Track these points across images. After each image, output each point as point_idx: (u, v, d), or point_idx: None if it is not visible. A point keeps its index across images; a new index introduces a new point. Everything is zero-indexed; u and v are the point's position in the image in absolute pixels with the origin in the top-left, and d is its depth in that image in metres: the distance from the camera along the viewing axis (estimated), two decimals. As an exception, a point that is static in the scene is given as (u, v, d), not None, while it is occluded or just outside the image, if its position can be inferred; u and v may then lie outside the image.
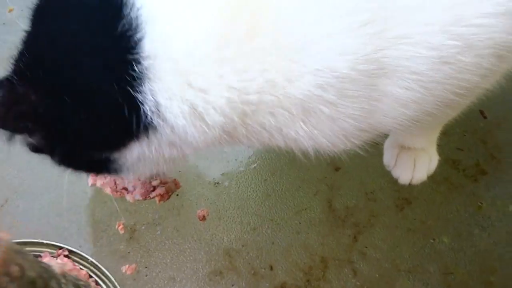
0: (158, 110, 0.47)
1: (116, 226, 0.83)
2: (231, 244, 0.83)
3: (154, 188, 0.80)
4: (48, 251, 0.76)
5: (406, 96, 0.49)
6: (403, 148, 0.84)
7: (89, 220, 0.84)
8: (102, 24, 0.47)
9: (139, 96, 0.46)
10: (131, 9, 0.45)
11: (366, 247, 0.84)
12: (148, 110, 0.47)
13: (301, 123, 0.49)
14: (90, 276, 0.74)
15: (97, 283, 0.74)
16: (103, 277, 0.74)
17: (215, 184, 0.89)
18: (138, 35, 0.45)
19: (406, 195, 0.89)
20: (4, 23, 1.13)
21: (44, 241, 0.77)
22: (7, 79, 0.48)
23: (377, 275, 0.81)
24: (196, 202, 0.87)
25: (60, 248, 0.77)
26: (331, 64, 0.45)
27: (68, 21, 0.48)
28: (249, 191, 0.88)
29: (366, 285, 0.80)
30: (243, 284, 0.79)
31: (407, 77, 0.47)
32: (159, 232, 0.83)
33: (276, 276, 0.80)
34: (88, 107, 0.47)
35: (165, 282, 0.79)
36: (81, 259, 0.76)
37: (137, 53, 0.45)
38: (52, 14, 0.50)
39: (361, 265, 0.82)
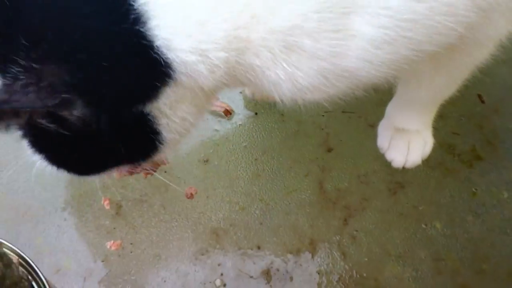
0: (169, 46, 0.46)
1: (102, 201, 0.81)
2: (218, 223, 0.81)
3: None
4: None
5: (378, 34, 0.48)
6: (397, 130, 0.82)
7: (75, 194, 0.82)
8: None
9: (148, 33, 0.45)
10: None
11: (357, 231, 0.83)
12: (162, 46, 0.46)
13: (283, 63, 0.49)
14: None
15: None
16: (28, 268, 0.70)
17: (204, 162, 0.87)
18: None
19: (399, 179, 0.88)
20: None
21: None
22: (17, 62, 0.45)
23: (367, 259, 0.80)
24: (184, 179, 0.85)
25: None
26: None
27: None
28: (239, 170, 0.87)
29: (355, 269, 0.79)
30: (230, 264, 0.77)
31: (379, 12, 0.47)
32: (145, 209, 0.82)
33: (263, 257, 0.78)
34: (112, 57, 0.47)
35: (150, 259, 0.77)
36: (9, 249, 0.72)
37: None
38: None
39: (351, 249, 0.81)
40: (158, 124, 0.53)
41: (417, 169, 0.86)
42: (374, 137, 0.90)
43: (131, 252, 0.78)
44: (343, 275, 0.78)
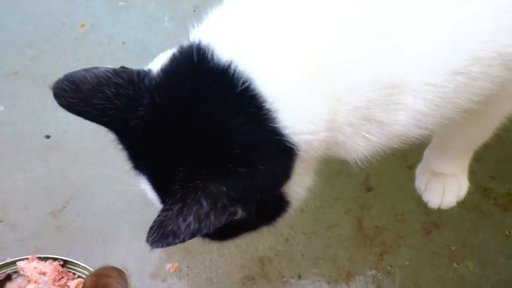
0: (294, 131, 0.55)
1: (163, 228, 0.92)
2: (264, 252, 0.90)
3: None
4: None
5: (424, 106, 0.56)
6: (434, 173, 0.88)
7: (140, 220, 0.94)
8: (224, 91, 0.54)
9: (278, 126, 0.55)
10: (235, 71, 0.54)
11: (391, 266, 0.89)
12: (289, 133, 0.55)
13: (363, 133, 0.58)
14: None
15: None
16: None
17: (254, 196, 0.97)
18: (251, 88, 0.54)
19: (434, 219, 0.94)
20: (75, 37, 1.26)
21: (41, 255, 0.83)
22: (195, 190, 0.51)
23: (400, 293, 0.86)
24: (236, 211, 0.95)
25: (55, 259, 0.83)
26: (353, 96, 0.56)
27: (195, 108, 0.55)
28: (285, 205, 0.96)
29: (388, 302, 0.85)
30: (273, 290, 0.86)
31: (424, 89, 0.55)
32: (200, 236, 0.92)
33: (304, 286, 0.87)
34: (254, 159, 0.54)
35: (204, 281, 0.87)
36: (73, 265, 0.83)
37: (259, 97, 0.54)
38: (173, 115, 0.56)
39: (385, 283, 0.87)
40: (290, 196, 0.62)
41: (452, 210, 0.92)
42: (412, 178, 0.97)
43: (187, 275, 0.88)
44: (377, 307, 0.85)
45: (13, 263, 0.82)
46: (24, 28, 1.25)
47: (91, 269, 0.81)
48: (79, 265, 0.82)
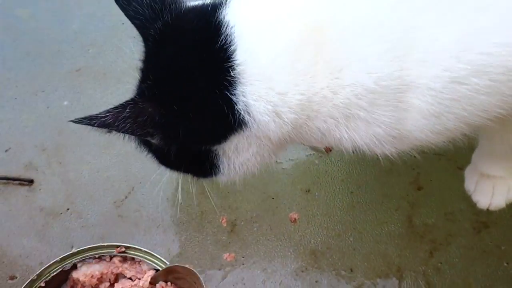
0: (248, 109, 0.61)
1: (220, 220, 0.97)
2: (317, 246, 0.94)
3: None
4: (107, 251, 0.87)
5: (426, 108, 0.58)
6: (482, 175, 0.90)
7: (198, 212, 0.99)
8: (205, 42, 0.62)
9: (234, 98, 0.60)
10: (226, 27, 0.61)
11: (441, 263, 0.91)
12: (241, 109, 0.61)
13: (345, 128, 0.62)
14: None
15: (156, 270, 0.85)
16: (159, 263, 0.85)
17: (306, 191, 1.01)
18: (232, 47, 0.60)
19: (484, 219, 0.95)
20: (134, 37, 1.32)
21: (105, 244, 0.87)
22: (132, 100, 0.63)
23: (449, 290, 0.89)
24: (289, 206, 0.99)
25: (118, 246, 0.87)
26: (361, 80, 0.58)
27: (176, 47, 0.64)
28: (336, 201, 0.99)
29: (438, 298, 0.88)
30: (325, 282, 0.90)
31: (425, 92, 0.57)
32: (255, 229, 0.96)
33: (355, 278, 0.90)
34: (195, 109, 0.62)
35: (259, 271, 0.91)
36: (136, 251, 0.86)
37: (232, 61, 0.60)
38: (161, 49, 0.66)
39: (435, 279, 0.90)
40: (218, 162, 0.68)
41: (502, 211, 0.93)
42: (462, 179, 0.98)
43: (242, 264, 0.93)
44: (427, 302, 0.87)
45: (78, 253, 0.87)
46: (86, 28, 1.32)
47: (153, 253, 0.85)
48: (141, 250, 0.87)
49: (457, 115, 0.58)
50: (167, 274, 0.83)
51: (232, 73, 0.60)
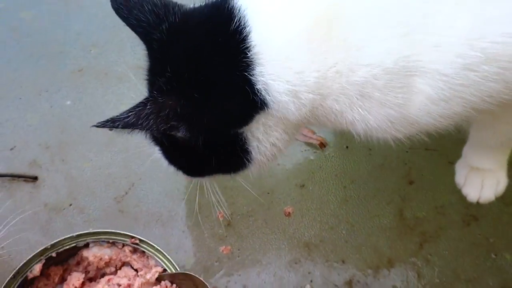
0: (267, 88, 0.62)
1: (217, 214, 1.00)
2: (310, 238, 0.97)
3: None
4: (121, 239, 0.89)
5: (436, 93, 0.60)
6: (472, 168, 0.93)
7: (195, 208, 1.02)
8: (218, 27, 0.63)
9: (253, 79, 0.61)
10: (238, 10, 0.62)
11: (431, 255, 0.94)
12: (261, 89, 0.62)
13: (358, 108, 0.63)
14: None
15: (164, 270, 0.87)
16: (166, 263, 0.87)
17: (300, 186, 1.04)
18: (247, 29, 0.61)
19: (473, 212, 0.98)
20: (135, 37, 1.35)
21: (121, 231, 0.89)
22: (151, 96, 0.64)
23: (438, 281, 0.91)
24: (283, 200, 1.02)
25: (133, 237, 0.89)
26: (380, 59, 0.59)
27: (189, 38, 0.65)
28: (330, 195, 1.02)
29: (427, 288, 0.90)
30: (318, 273, 0.93)
31: (437, 78, 0.59)
32: (251, 223, 1.00)
33: (347, 270, 0.93)
34: (216, 94, 0.63)
35: (254, 263, 0.95)
36: (149, 246, 0.89)
37: (248, 42, 0.61)
38: (172, 45, 0.66)
39: (425, 270, 0.93)
40: (249, 145, 0.68)
41: (491, 204, 0.96)
42: (453, 173, 1.01)
43: (238, 257, 0.96)
44: (416, 292, 0.90)
45: (95, 233, 0.89)
46: (87, 29, 1.36)
47: (164, 253, 0.87)
48: (153, 246, 0.88)
49: (465, 100, 0.60)
50: (175, 276, 0.86)
51: (249, 55, 0.60)
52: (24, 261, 0.85)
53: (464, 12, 0.58)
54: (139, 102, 0.61)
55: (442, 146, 1.07)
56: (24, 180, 1.09)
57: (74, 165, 1.10)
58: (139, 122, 0.59)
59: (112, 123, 0.59)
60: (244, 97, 0.62)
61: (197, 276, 0.81)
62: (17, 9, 1.42)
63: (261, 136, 0.68)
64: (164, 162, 0.76)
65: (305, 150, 1.09)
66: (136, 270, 0.90)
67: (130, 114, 0.59)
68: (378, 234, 0.97)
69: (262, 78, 0.61)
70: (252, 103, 0.63)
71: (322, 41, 0.61)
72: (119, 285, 0.85)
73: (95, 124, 0.60)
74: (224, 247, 0.96)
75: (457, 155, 1.04)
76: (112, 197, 1.05)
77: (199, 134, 0.66)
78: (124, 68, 1.28)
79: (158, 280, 0.86)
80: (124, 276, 0.88)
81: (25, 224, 1.03)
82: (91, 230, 0.89)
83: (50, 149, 1.13)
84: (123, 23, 1.37)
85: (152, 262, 0.89)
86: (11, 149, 1.14)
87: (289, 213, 1.00)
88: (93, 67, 1.29)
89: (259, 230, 0.99)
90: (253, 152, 0.69)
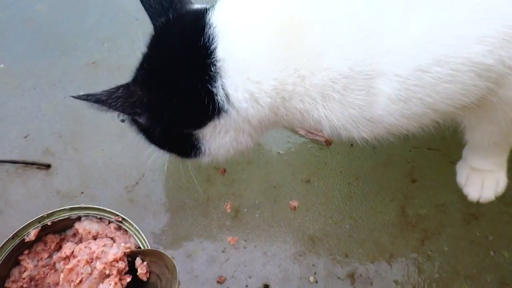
0: (227, 98, 0.70)
1: (225, 206, 1.03)
2: (314, 232, 1.00)
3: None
4: (108, 216, 0.93)
5: (393, 93, 0.64)
6: (472, 169, 0.96)
7: (204, 198, 1.05)
8: (193, 40, 0.70)
9: (214, 90, 0.69)
10: (209, 27, 0.70)
11: (431, 251, 0.97)
12: (220, 99, 0.69)
13: (322, 108, 0.69)
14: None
15: (139, 247, 0.89)
16: (143, 242, 0.89)
17: (306, 181, 1.07)
18: (213, 46, 0.69)
19: (474, 211, 1.01)
20: (147, 32, 1.39)
21: (108, 209, 0.93)
22: (126, 84, 0.73)
23: (438, 276, 0.94)
24: (289, 194, 1.05)
25: (117, 215, 0.92)
26: (337, 65, 0.65)
27: (171, 42, 0.74)
28: (334, 191, 1.05)
29: (427, 283, 0.93)
30: (321, 265, 0.95)
31: (393, 79, 0.63)
32: (257, 215, 1.02)
33: (350, 263, 0.96)
34: (179, 98, 0.71)
35: (259, 255, 0.98)
36: (129, 224, 0.92)
37: (213, 58, 0.69)
38: (158, 43, 0.76)
39: (425, 265, 0.95)
40: (200, 144, 0.77)
41: (491, 203, 0.99)
42: (455, 173, 1.04)
43: (244, 247, 0.99)
44: (417, 286, 0.93)
45: (85, 208, 0.92)
46: (101, 23, 1.39)
47: (141, 233, 0.89)
48: (133, 225, 0.90)
49: (423, 100, 0.65)
50: (146, 254, 0.87)
51: (213, 69, 0.68)
52: (22, 225, 0.89)
53: (417, 17, 0.62)
54: (115, 86, 0.71)
55: (444, 147, 1.10)
56: (37, 168, 1.12)
57: (87, 155, 1.13)
58: (109, 102, 0.69)
59: (86, 97, 0.69)
60: (203, 105, 0.70)
61: (166, 254, 0.83)
62: (32, 2, 1.45)
63: (210, 138, 0.76)
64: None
65: (311, 147, 1.12)
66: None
67: (103, 93, 0.69)
68: (380, 229, 1.00)
69: (223, 89, 0.69)
70: (209, 110, 0.71)
71: (284, 49, 0.67)
72: (92, 250, 0.87)
73: (74, 95, 0.70)
74: (231, 237, 0.99)
75: (459, 155, 1.07)
76: (123, 187, 1.08)
77: (156, 126, 0.76)
78: (136, 62, 1.31)
79: (130, 257, 0.87)
80: (102, 245, 0.89)
81: (37, 210, 1.06)
82: (82, 205, 0.93)
83: (63, 138, 1.16)
84: (136, 18, 1.40)
85: (132, 240, 0.92)
86: (25, 137, 1.17)
87: (294, 207, 1.03)
88: (106, 60, 1.32)
89: (265, 222, 1.01)
90: (202, 149, 0.78)
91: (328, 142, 1.11)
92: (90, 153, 1.14)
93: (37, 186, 1.09)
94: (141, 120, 0.76)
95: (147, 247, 0.87)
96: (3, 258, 0.85)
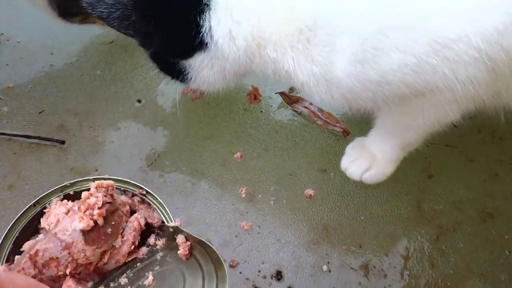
0: (210, 32, 0.74)
1: (239, 191, 1.02)
2: (329, 222, 0.99)
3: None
4: (131, 188, 0.90)
5: (352, 54, 0.66)
6: (363, 146, 0.97)
7: (218, 183, 1.04)
8: None
9: (201, 21, 0.73)
10: None
11: (446, 247, 0.96)
12: (205, 31, 0.74)
13: (291, 60, 0.72)
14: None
15: (163, 222, 0.86)
16: (167, 217, 0.86)
17: (322, 171, 1.06)
18: None
19: (490, 210, 1.00)
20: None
21: (132, 181, 0.90)
22: (124, 4, 0.76)
23: (452, 272, 0.93)
24: (305, 183, 1.04)
25: (141, 188, 0.90)
26: (304, 16, 0.68)
27: None
28: (350, 182, 1.04)
29: (441, 278, 0.92)
30: (335, 255, 0.95)
31: (354, 38, 0.65)
32: (272, 202, 1.02)
33: (363, 254, 0.95)
34: (169, 28, 0.76)
35: (272, 241, 0.97)
36: (153, 198, 0.89)
37: None
38: None
39: (439, 261, 0.95)
40: (186, 73, 0.81)
41: (508, 204, 0.99)
42: (472, 170, 1.04)
43: (258, 233, 0.98)
44: (430, 281, 0.92)
45: (109, 179, 0.89)
46: (120, 3, 1.38)
47: (166, 207, 0.87)
48: (157, 199, 0.89)
49: (378, 66, 0.66)
50: (189, 238, 0.84)
51: (205, 2, 0.72)
52: (44, 193, 0.87)
53: None
54: (115, 3, 0.76)
55: (462, 144, 1.09)
56: (52, 144, 1.11)
57: (102, 133, 1.13)
58: (107, 19, 0.77)
59: (91, 9, 0.77)
60: (190, 36, 0.75)
61: (211, 246, 0.78)
62: (51, -22, 1.44)
63: (196, 69, 0.80)
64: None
65: (328, 136, 1.11)
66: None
67: (105, 10, 0.76)
68: (395, 223, 0.99)
69: (208, 23, 0.73)
70: (194, 42, 0.75)
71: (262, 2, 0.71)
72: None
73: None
74: (245, 223, 0.98)
75: (477, 153, 1.07)
76: (137, 167, 1.07)
77: (148, 48, 0.84)
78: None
79: (166, 231, 0.85)
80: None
81: (51, 186, 1.05)
82: (106, 176, 0.90)
83: (78, 115, 1.16)
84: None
85: (155, 215, 0.90)
86: (40, 112, 1.16)
87: (310, 195, 1.02)
88: (123, 40, 1.31)
89: (280, 210, 1.01)
90: (188, 77, 0.82)
91: (346, 133, 1.10)
92: (105, 132, 1.13)
93: (51, 162, 1.08)
94: (134, 40, 0.83)
95: (171, 221, 0.85)
96: (23, 225, 0.83)
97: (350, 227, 0.99)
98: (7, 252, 0.80)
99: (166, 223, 0.85)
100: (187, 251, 0.79)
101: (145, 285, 0.78)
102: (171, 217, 0.86)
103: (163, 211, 0.87)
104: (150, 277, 0.79)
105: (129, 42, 1.30)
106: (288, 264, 0.94)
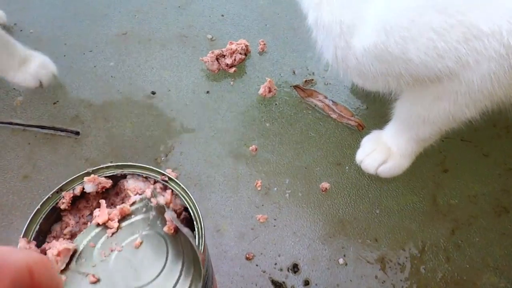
0: None
1: (255, 183, 1.02)
2: (344, 215, 0.99)
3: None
4: (154, 175, 0.91)
5: (379, 23, 0.68)
6: (379, 140, 1.01)
7: (233, 175, 1.04)
8: None
9: None
10: None
11: (461, 241, 0.96)
12: None
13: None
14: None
15: (185, 209, 0.88)
16: (190, 203, 0.87)
17: (337, 164, 1.06)
18: None
19: (505, 205, 1.00)
20: (179, 6, 1.37)
21: (154, 168, 0.91)
22: None
23: (468, 266, 0.94)
24: (320, 176, 1.04)
25: (163, 174, 0.91)
26: None
27: None
28: (365, 176, 1.04)
29: (456, 272, 0.93)
30: (351, 248, 0.95)
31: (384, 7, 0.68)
32: (287, 195, 1.02)
33: (379, 248, 0.95)
34: None
35: (288, 234, 0.97)
36: (176, 184, 0.90)
37: None
38: None
39: (455, 255, 0.95)
40: None
41: (523, 199, 0.99)
42: (487, 164, 1.04)
43: (274, 226, 0.98)
44: (446, 274, 0.92)
45: (131, 166, 0.89)
46: (133, -6, 1.37)
47: (190, 194, 0.88)
48: (180, 185, 0.89)
49: (404, 42, 0.66)
50: None
51: None
52: (67, 180, 0.87)
53: None
54: None
55: (477, 139, 1.09)
56: (66, 135, 1.11)
57: (116, 124, 1.12)
58: None
59: None
60: None
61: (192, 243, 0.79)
62: (64, -31, 1.43)
63: None
64: None
65: (343, 130, 1.11)
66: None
67: None
68: (411, 217, 0.99)
69: None
70: None
71: None
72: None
73: None
74: (260, 215, 0.98)
75: (492, 148, 1.06)
76: (152, 159, 1.07)
77: None
78: (167, 35, 1.29)
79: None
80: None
81: (66, 177, 1.05)
82: (128, 163, 0.90)
83: (93, 107, 1.15)
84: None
85: (178, 201, 0.89)
86: (54, 103, 1.16)
87: (325, 189, 1.02)
88: (137, 31, 1.31)
89: (295, 203, 1.01)
90: None
91: (360, 127, 1.10)
92: (120, 123, 1.13)
93: (66, 153, 1.08)
94: None
95: (194, 208, 0.84)
96: (46, 212, 0.83)
97: (366, 220, 0.99)
98: (33, 235, 0.80)
99: (189, 209, 0.85)
100: (172, 230, 0.79)
101: (133, 245, 0.78)
102: (195, 202, 0.86)
103: (186, 197, 0.87)
104: (139, 239, 0.79)
105: (143, 34, 1.30)
106: (304, 257, 0.94)
